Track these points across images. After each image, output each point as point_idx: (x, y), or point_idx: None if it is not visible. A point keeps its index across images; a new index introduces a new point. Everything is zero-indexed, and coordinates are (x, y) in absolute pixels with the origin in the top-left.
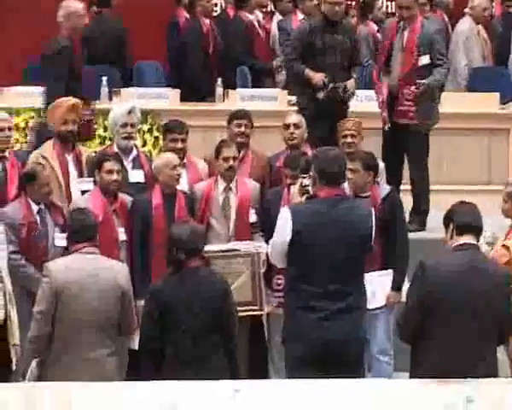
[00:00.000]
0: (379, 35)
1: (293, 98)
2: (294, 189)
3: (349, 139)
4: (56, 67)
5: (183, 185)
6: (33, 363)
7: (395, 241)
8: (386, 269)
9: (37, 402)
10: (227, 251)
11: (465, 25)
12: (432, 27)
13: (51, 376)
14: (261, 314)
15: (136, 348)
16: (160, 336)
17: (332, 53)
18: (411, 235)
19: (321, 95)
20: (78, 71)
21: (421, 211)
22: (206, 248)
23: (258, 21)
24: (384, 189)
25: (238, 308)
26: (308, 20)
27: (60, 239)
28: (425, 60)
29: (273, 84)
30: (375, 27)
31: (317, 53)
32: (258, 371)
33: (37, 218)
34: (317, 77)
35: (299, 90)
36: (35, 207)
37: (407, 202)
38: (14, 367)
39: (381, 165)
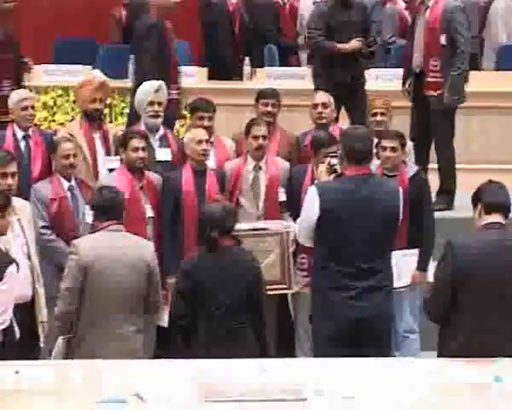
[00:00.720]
0: (406, 13)
1: None
2: (322, 168)
3: (378, 117)
4: (145, 46)
5: (210, 163)
6: (60, 340)
7: (421, 220)
8: (411, 248)
9: (67, 379)
10: (256, 230)
11: (501, 1)
12: (452, 5)
13: (78, 353)
14: (290, 293)
15: (166, 325)
16: (192, 314)
17: (347, 32)
18: (438, 214)
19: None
20: (168, 50)
21: (447, 190)
22: (236, 226)
23: None
24: (411, 168)
25: (268, 287)
26: (322, 2)
27: (90, 216)
28: (443, 39)
29: (298, 63)
30: (403, 5)
31: (334, 32)
32: (285, 349)
33: (68, 194)
34: (352, 43)
35: (318, 70)
36: (65, 184)
37: (435, 181)
38: (42, 344)
39: (409, 144)
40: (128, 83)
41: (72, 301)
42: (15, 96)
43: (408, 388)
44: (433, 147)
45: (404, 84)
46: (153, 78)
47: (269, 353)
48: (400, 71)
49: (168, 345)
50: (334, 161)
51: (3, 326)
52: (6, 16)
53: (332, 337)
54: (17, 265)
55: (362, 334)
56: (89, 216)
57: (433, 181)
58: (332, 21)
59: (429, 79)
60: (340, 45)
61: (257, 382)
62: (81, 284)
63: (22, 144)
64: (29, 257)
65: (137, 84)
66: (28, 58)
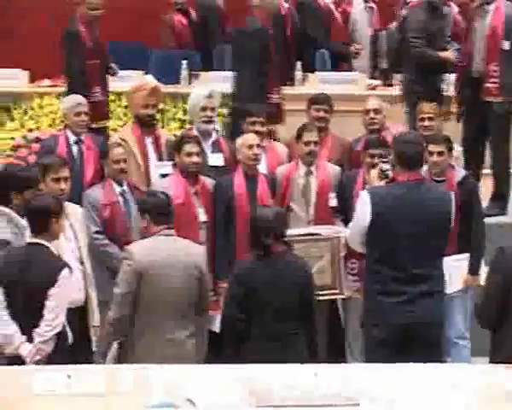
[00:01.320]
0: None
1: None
2: (373, 173)
3: (426, 122)
4: (247, 50)
5: (262, 168)
6: (114, 344)
7: (471, 225)
8: (462, 253)
9: (118, 383)
10: (307, 235)
11: None
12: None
13: (131, 357)
14: (340, 298)
15: (217, 330)
16: (244, 319)
17: (440, 40)
18: (492, 219)
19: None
20: (270, 55)
21: (501, 195)
22: (288, 232)
23: (336, 4)
24: (460, 173)
25: (318, 292)
26: (418, 8)
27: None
28: (506, 45)
29: (350, 68)
30: (456, 9)
31: (430, 40)
32: (336, 354)
33: (120, 199)
34: (450, 53)
35: (420, 78)
36: (117, 188)
37: (487, 186)
38: (94, 348)
39: (457, 148)
40: (180, 88)
41: (126, 306)
42: (70, 101)
43: (460, 394)
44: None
45: (458, 88)
46: (255, 83)
47: (318, 358)
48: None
49: (219, 350)
50: (386, 166)
51: (57, 330)
52: (94, 23)
53: (383, 343)
54: (70, 269)
55: (413, 339)
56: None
57: (487, 186)
58: (429, 29)
59: (489, 85)
60: (442, 54)
61: (309, 387)
62: (135, 289)
63: (75, 149)
64: (81, 261)
65: (239, 89)
66: (114, 64)
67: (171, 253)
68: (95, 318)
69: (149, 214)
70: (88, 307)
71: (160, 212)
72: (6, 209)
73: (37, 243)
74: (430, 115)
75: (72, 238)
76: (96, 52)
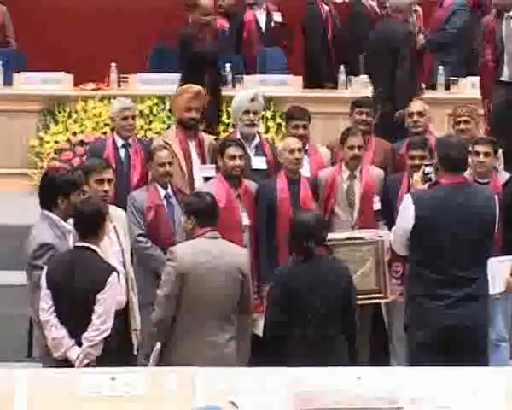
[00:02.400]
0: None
1: None
2: (416, 177)
3: (462, 126)
4: (404, 52)
5: (305, 172)
6: (158, 345)
7: None
8: (506, 255)
9: (161, 386)
10: (351, 239)
11: None
12: None
13: (173, 359)
14: (386, 302)
15: (260, 333)
16: (287, 322)
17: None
18: None
19: None
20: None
21: None
22: (331, 236)
23: (380, 5)
24: (503, 175)
25: (363, 296)
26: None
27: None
28: None
29: None
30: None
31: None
32: (380, 358)
33: (164, 202)
34: None
35: None
36: (162, 192)
37: None
38: (135, 352)
39: (500, 151)
40: (224, 91)
41: (170, 307)
42: (117, 105)
43: (503, 397)
44: None
45: (486, 93)
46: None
47: (358, 361)
48: None
49: (262, 353)
50: (429, 169)
51: (105, 335)
52: (208, 29)
53: (427, 346)
54: (118, 274)
55: (457, 343)
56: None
57: None
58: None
59: None
60: None
61: (352, 390)
62: (178, 290)
63: (122, 153)
64: (124, 265)
65: (401, 89)
66: (226, 70)
67: (215, 255)
68: (136, 321)
69: (195, 216)
70: (130, 311)
71: (205, 214)
72: (50, 213)
73: (86, 247)
74: (465, 118)
75: (115, 242)
76: (211, 58)
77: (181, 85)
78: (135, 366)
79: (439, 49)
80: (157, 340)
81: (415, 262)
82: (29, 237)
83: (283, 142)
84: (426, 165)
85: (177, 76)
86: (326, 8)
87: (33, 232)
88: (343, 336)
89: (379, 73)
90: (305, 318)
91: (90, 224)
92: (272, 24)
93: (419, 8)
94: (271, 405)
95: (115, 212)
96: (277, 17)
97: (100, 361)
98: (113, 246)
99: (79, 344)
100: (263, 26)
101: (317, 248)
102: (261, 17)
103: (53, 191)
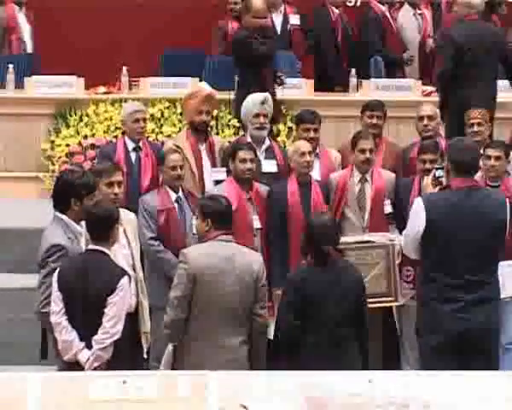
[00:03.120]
0: None
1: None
2: (427, 180)
3: (475, 128)
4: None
5: (315, 175)
6: (169, 348)
7: None
8: None
9: (173, 389)
10: (361, 243)
11: None
12: None
13: (185, 361)
14: (397, 305)
15: (271, 337)
16: (299, 326)
17: None
18: None
19: None
20: None
21: None
22: (342, 239)
23: (390, 10)
24: None
25: (373, 300)
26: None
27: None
28: None
29: (403, 75)
30: None
31: None
32: (391, 361)
33: (175, 205)
34: None
35: None
36: (173, 195)
37: None
38: (145, 355)
39: None
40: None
41: (182, 309)
42: (128, 108)
43: None
44: None
45: None
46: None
47: (369, 364)
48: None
49: (274, 357)
50: (440, 172)
51: (115, 338)
52: (262, 30)
53: (439, 350)
54: (129, 277)
55: (469, 347)
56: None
57: None
58: None
59: None
60: None
61: (364, 394)
62: (190, 292)
63: (133, 156)
64: (134, 268)
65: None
66: (281, 72)
67: (227, 258)
68: (146, 325)
69: (210, 219)
70: (139, 314)
71: (221, 217)
72: (62, 216)
73: (97, 251)
74: (478, 121)
75: (126, 245)
76: (268, 60)
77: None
78: (145, 368)
79: None
80: (169, 342)
81: (426, 266)
82: (41, 238)
83: (293, 145)
84: (436, 168)
85: (189, 79)
86: (336, 11)
87: (45, 233)
88: (355, 338)
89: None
90: (318, 322)
91: (103, 227)
92: (288, 27)
93: (425, 11)
94: (283, 409)
95: (126, 215)
96: (294, 20)
97: (110, 364)
98: (123, 249)
99: (90, 347)
100: (278, 28)
101: (331, 251)
102: (278, 20)
103: (67, 194)
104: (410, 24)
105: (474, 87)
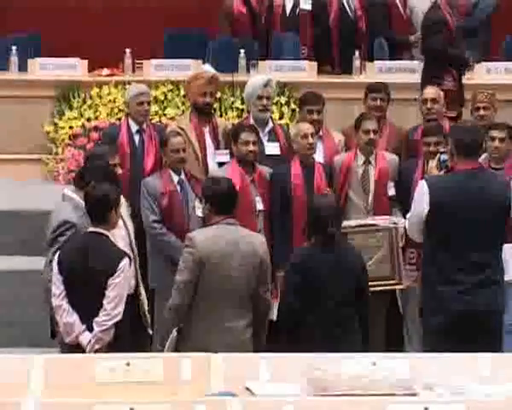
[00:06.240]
0: None
1: None
2: (432, 164)
3: (482, 112)
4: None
5: (318, 157)
6: (174, 332)
7: None
8: None
9: (177, 371)
10: (365, 226)
11: None
12: None
13: (189, 344)
14: (400, 288)
15: (274, 317)
16: (302, 307)
17: None
18: None
19: None
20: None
21: None
22: (345, 223)
23: None
24: None
25: (377, 283)
26: None
27: (200, 210)
28: None
29: (410, 58)
30: None
31: None
32: (394, 343)
33: (178, 188)
34: None
35: None
36: (175, 178)
37: None
38: (150, 332)
39: None
40: (238, 77)
41: (188, 293)
42: (133, 90)
43: None
44: None
45: None
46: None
47: (370, 345)
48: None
49: (276, 338)
50: (445, 156)
51: (116, 320)
52: None
53: (442, 331)
54: (130, 259)
55: (472, 328)
56: (198, 210)
57: None
58: None
59: None
60: None
61: (367, 376)
62: (197, 276)
63: (136, 138)
64: (131, 248)
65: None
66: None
67: (233, 242)
68: (145, 305)
69: (213, 202)
70: (139, 294)
71: (223, 201)
72: (74, 195)
73: (98, 233)
74: (485, 104)
75: (122, 226)
76: None
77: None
78: (149, 348)
79: (468, 35)
80: (174, 326)
81: (430, 248)
82: (50, 216)
83: (296, 127)
84: (441, 153)
85: (192, 62)
86: None
87: (55, 210)
88: (356, 318)
89: None
90: (320, 302)
91: (102, 209)
92: (297, 10)
93: None
94: (286, 391)
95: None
96: (305, 5)
97: (112, 346)
98: (120, 230)
99: (91, 329)
100: (288, 11)
101: (335, 233)
102: (289, 2)
103: (89, 177)
104: (422, 5)
105: None
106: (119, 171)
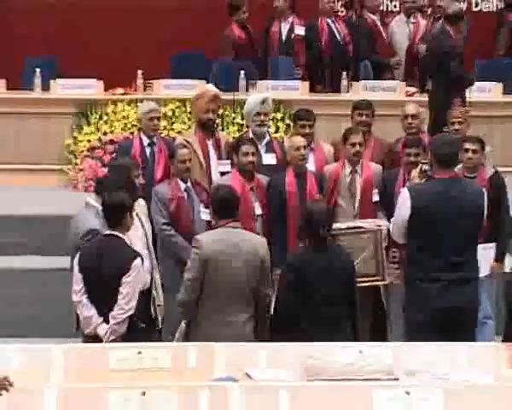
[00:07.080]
0: None
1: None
2: (414, 173)
3: (456, 126)
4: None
5: (310, 167)
6: (182, 324)
7: (499, 217)
8: (489, 242)
9: (184, 360)
10: (352, 228)
11: None
12: None
13: (196, 336)
14: (384, 285)
15: (271, 312)
16: (296, 303)
17: None
18: None
19: None
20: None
21: None
22: (335, 225)
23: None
24: (489, 170)
25: (364, 279)
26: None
27: (204, 214)
28: None
29: (391, 78)
30: None
31: None
32: (379, 335)
33: (185, 194)
34: None
35: None
36: (182, 185)
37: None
38: (160, 325)
39: (487, 148)
40: (238, 95)
41: (194, 290)
42: (145, 107)
43: (491, 369)
44: None
45: None
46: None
47: (361, 338)
48: None
49: (273, 331)
50: (426, 167)
51: (129, 313)
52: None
53: (423, 325)
54: (142, 258)
55: (452, 322)
56: (203, 214)
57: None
58: None
59: None
60: None
61: (355, 363)
62: (202, 275)
63: (148, 150)
64: (148, 247)
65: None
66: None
67: (236, 244)
68: (159, 298)
69: (217, 208)
70: (152, 288)
71: (227, 206)
72: (95, 203)
73: (113, 235)
74: (459, 120)
75: (139, 227)
76: None
77: None
78: (160, 339)
79: None
80: (182, 319)
81: (413, 249)
82: (74, 222)
83: (290, 140)
84: (423, 163)
85: (197, 82)
86: (328, 21)
87: (80, 218)
88: (347, 316)
89: None
90: (313, 300)
91: (117, 214)
92: (292, 36)
93: (420, 20)
94: (282, 376)
95: (137, 202)
96: (299, 30)
97: (128, 337)
98: (137, 231)
99: (108, 322)
100: (284, 37)
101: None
102: (285, 28)
103: (112, 184)
104: (402, 30)
105: None
106: (142, 181)
